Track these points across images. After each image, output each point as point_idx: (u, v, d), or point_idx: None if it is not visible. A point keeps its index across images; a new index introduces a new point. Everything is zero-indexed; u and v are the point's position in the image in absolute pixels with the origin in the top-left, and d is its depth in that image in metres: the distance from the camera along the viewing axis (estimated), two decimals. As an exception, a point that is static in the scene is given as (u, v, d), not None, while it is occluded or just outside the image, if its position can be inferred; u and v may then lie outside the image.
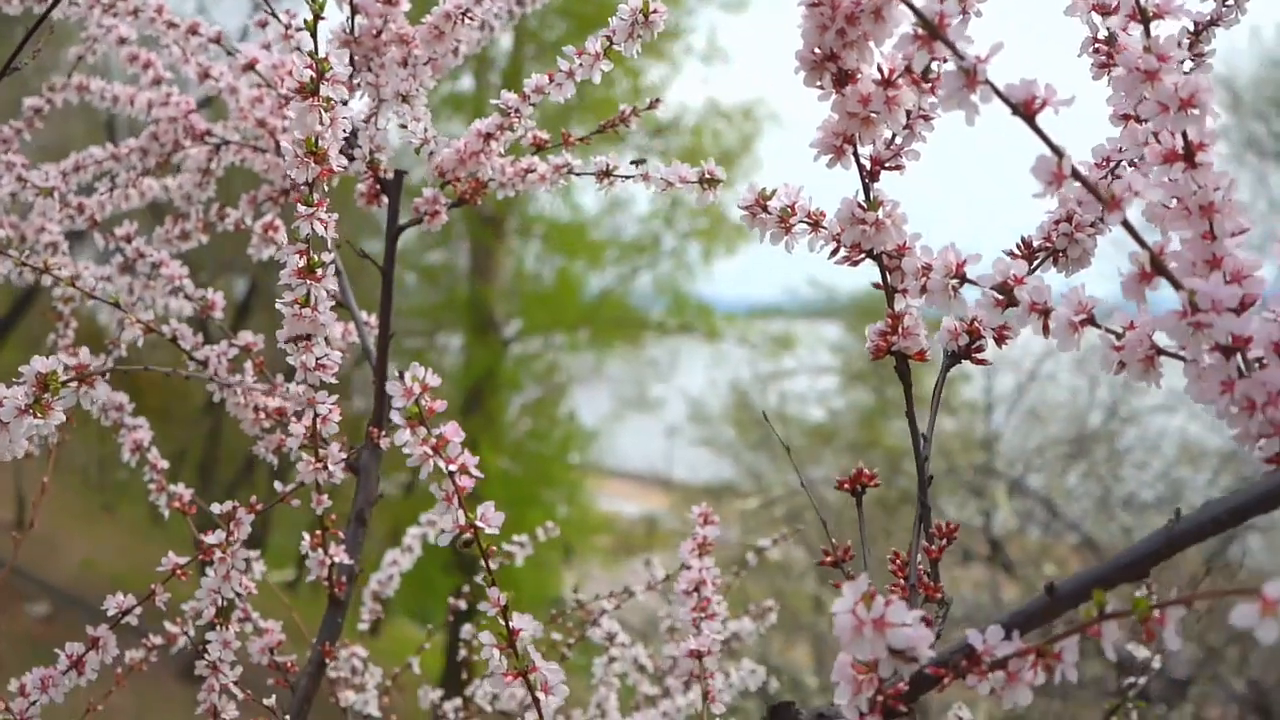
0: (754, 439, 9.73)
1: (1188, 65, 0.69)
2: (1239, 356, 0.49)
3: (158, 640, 1.09)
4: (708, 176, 0.81)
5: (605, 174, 0.91)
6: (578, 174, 0.93)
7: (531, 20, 9.43)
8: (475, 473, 0.60)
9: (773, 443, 8.99)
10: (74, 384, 0.64)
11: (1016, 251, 0.65)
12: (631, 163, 0.89)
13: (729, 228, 11.66)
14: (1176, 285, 0.49)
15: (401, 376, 0.58)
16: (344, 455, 0.89)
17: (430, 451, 0.59)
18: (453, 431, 0.60)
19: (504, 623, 0.62)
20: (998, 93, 0.48)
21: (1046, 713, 6.55)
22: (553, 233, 11.84)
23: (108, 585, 1.04)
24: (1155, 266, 0.50)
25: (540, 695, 0.62)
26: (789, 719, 0.56)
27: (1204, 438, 7.67)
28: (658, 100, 0.97)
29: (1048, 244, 0.65)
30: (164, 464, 1.07)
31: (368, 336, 1.04)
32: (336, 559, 0.94)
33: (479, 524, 0.60)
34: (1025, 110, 0.49)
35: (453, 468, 0.59)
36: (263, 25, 1.11)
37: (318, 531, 0.93)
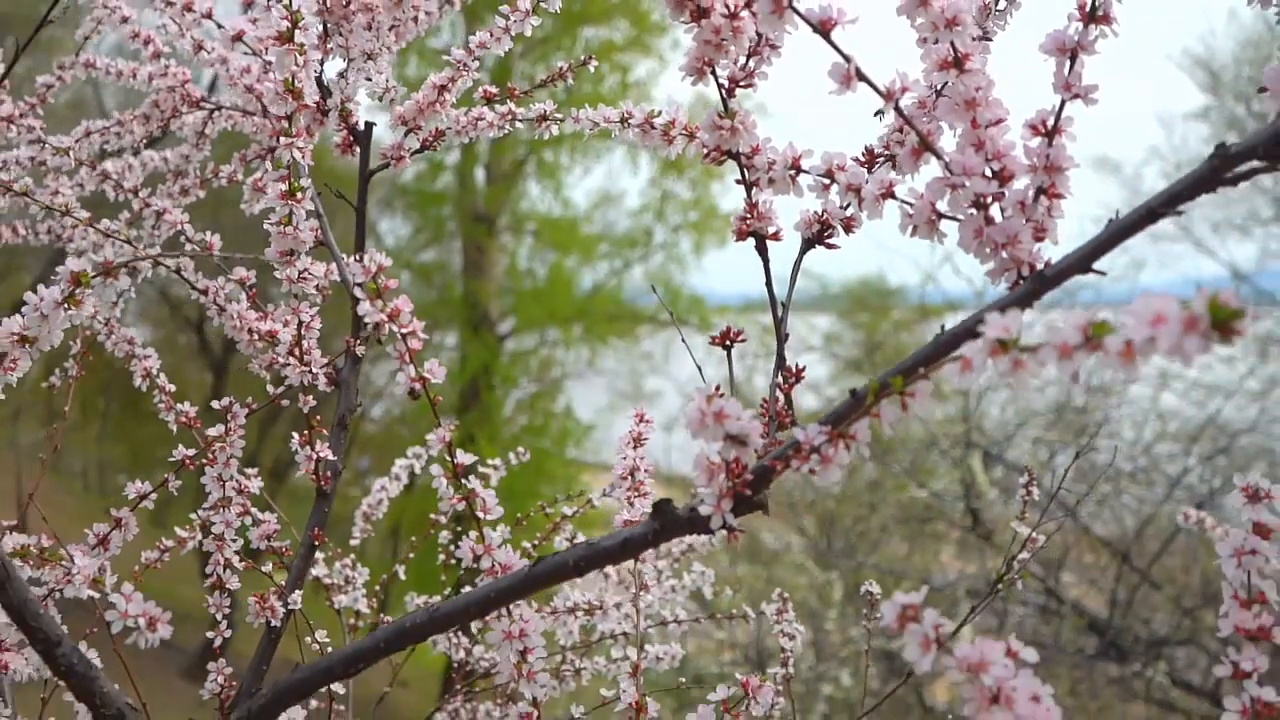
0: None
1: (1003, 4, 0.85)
2: (989, 211, 0.65)
3: (169, 542, 1.25)
4: (626, 116, 0.96)
5: (543, 118, 1.07)
6: (520, 120, 1.09)
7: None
8: (422, 335, 0.76)
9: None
10: (100, 278, 0.79)
11: (861, 157, 0.81)
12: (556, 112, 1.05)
13: (720, 220, 11.82)
14: (939, 157, 0.65)
15: (361, 259, 0.74)
16: (326, 361, 1.04)
17: (386, 319, 0.75)
18: (404, 303, 0.76)
19: (450, 458, 0.78)
20: (800, 15, 0.64)
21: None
22: (544, 229, 11.98)
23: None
24: (924, 144, 0.66)
25: (480, 515, 0.78)
26: (669, 513, 0.71)
27: (1181, 410, 7.85)
28: (590, 58, 1.13)
29: (886, 150, 0.81)
30: (171, 387, 1.23)
31: (346, 270, 1.20)
32: (322, 455, 1.09)
33: (426, 375, 0.76)
34: (823, 28, 0.65)
35: (405, 331, 0.75)
36: (249, 4, 1.26)
37: (305, 431, 1.09)
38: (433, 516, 1.43)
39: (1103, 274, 0.61)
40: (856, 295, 11.54)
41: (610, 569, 1.51)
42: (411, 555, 1.50)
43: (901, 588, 6.93)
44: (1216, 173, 0.59)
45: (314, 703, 1.28)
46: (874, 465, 7.80)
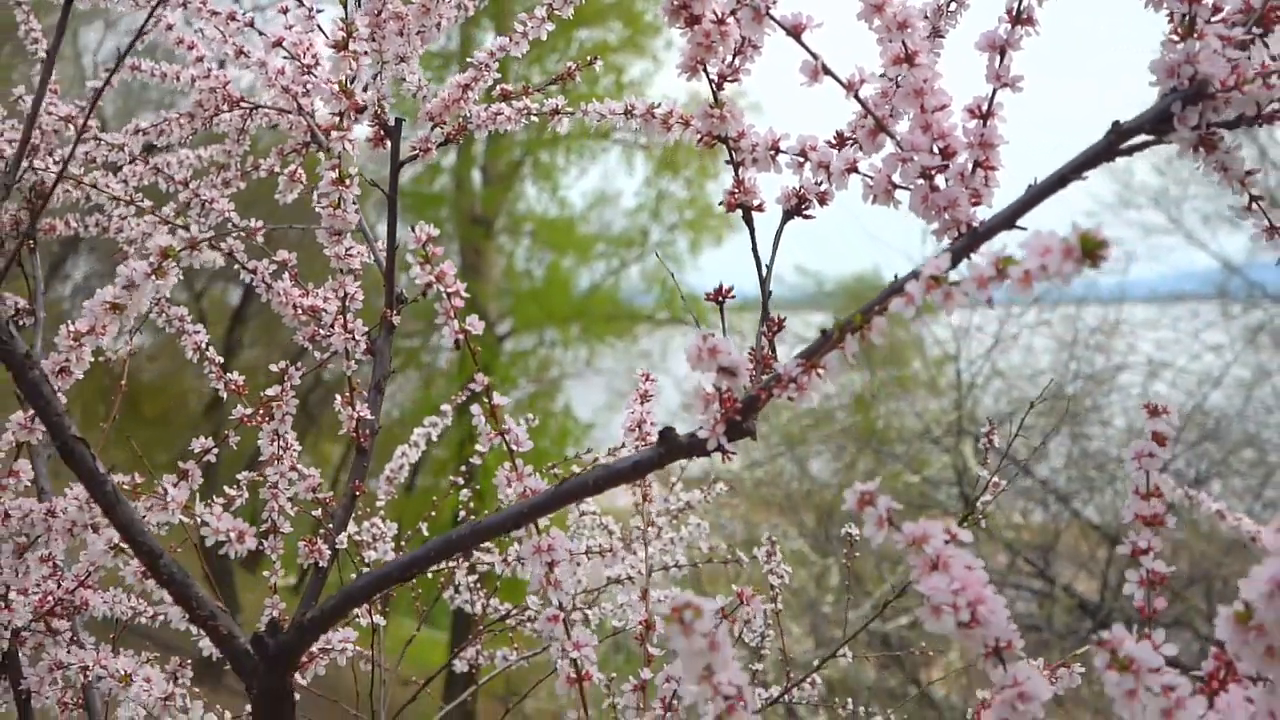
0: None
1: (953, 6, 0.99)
2: (934, 181, 0.79)
3: (221, 501, 1.38)
4: (629, 109, 1.10)
5: (555, 112, 1.21)
6: (534, 115, 1.22)
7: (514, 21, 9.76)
8: (464, 294, 0.89)
9: (766, 432, 9.31)
10: (187, 250, 0.93)
11: (832, 140, 0.95)
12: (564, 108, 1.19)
13: (716, 219, 11.96)
14: (891, 136, 0.79)
15: (413, 229, 0.88)
16: (367, 330, 1.18)
17: (434, 280, 0.89)
18: (449, 267, 0.89)
19: (488, 401, 0.92)
20: (776, 21, 0.78)
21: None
22: (541, 229, 12.12)
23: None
24: (879, 126, 0.79)
25: (514, 447, 0.92)
26: (672, 438, 0.85)
27: (1172, 398, 8.00)
28: (595, 58, 1.26)
29: (853, 133, 0.94)
30: (220, 359, 1.36)
31: (379, 252, 1.33)
32: (362, 415, 1.23)
33: (468, 328, 0.90)
34: (794, 31, 0.78)
35: (450, 290, 0.89)
36: (284, 11, 1.39)
37: (347, 393, 1.22)
38: (452, 478, 1.57)
39: (1024, 229, 0.75)
40: (852, 292, 11.68)
41: (615, 526, 1.64)
42: (433, 513, 1.64)
43: (896, 574, 7.09)
44: (1113, 145, 0.72)
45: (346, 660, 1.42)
46: (870, 456, 7.95)
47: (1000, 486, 1.42)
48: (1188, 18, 0.71)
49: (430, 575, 1.59)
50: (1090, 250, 0.56)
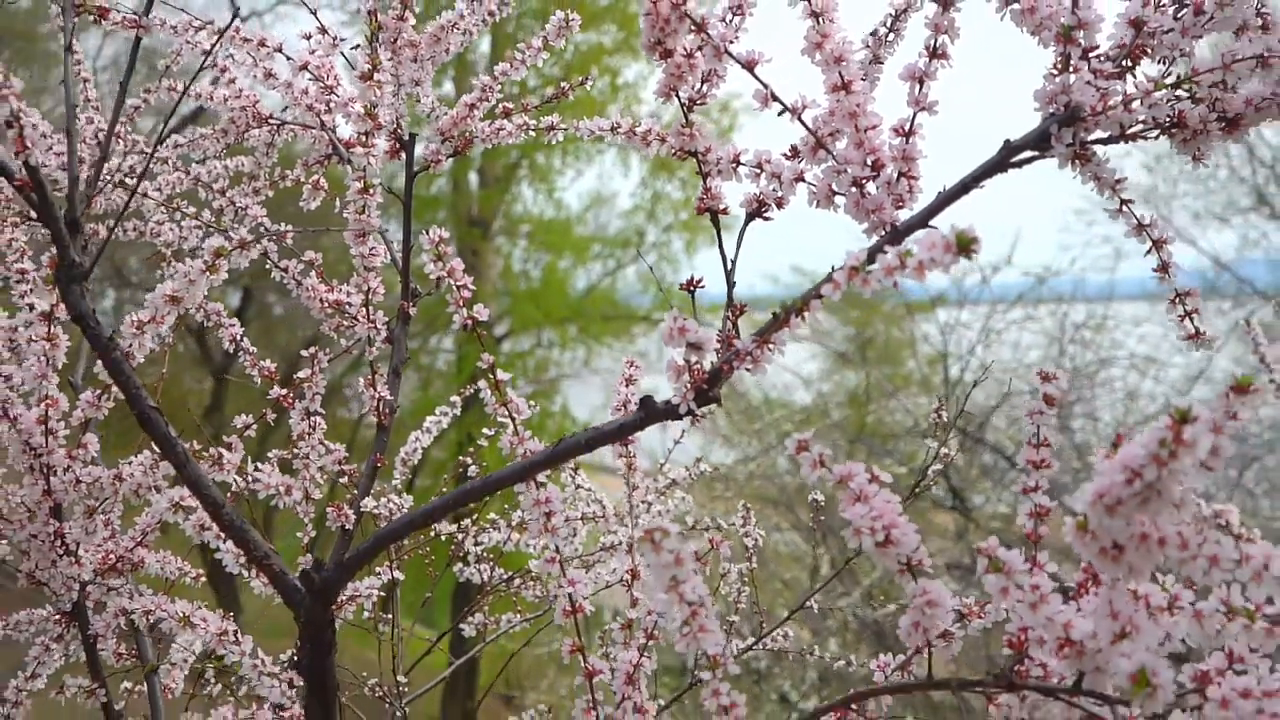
0: (742, 423, 10.04)
1: (891, 37, 1.15)
2: (864, 188, 0.95)
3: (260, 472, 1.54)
4: (614, 126, 1.26)
5: (551, 128, 1.37)
6: (533, 130, 1.39)
7: (509, 25, 9.96)
8: (471, 287, 1.06)
9: (761, 429, 9.48)
10: (236, 250, 1.09)
11: (787, 153, 1.11)
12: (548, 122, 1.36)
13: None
14: (829, 152, 0.95)
15: (427, 232, 1.04)
16: (386, 319, 1.34)
17: (445, 274, 1.05)
18: (458, 263, 1.06)
19: (493, 376, 1.08)
20: (732, 56, 0.94)
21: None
22: (538, 231, 12.28)
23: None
24: (818, 143, 0.96)
25: (515, 416, 1.08)
26: (651, 405, 1.01)
27: (1158, 393, 8.18)
28: (586, 78, 1.43)
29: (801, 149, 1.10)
30: (253, 350, 1.52)
31: (395, 251, 1.49)
32: (382, 395, 1.39)
33: (475, 315, 1.06)
34: (748, 65, 0.95)
35: (459, 283, 1.05)
36: (308, 37, 1.56)
37: (369, 375, 1.38)
38: (460, 458, 1.73)
39: (935, 229, 0.91)
40: (848, 291, 11.75)
41: (607, 501, 1.81)
42: (444, 490, 1.79)
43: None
44: (1005, 159, 0.89)
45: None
46: (862, 451, 8.11)
47: (950, 456, 1.58)
48: (1063, 55, 0.87)
49: (443, 539, 1.75)
50: (964, 246, 0.72)
